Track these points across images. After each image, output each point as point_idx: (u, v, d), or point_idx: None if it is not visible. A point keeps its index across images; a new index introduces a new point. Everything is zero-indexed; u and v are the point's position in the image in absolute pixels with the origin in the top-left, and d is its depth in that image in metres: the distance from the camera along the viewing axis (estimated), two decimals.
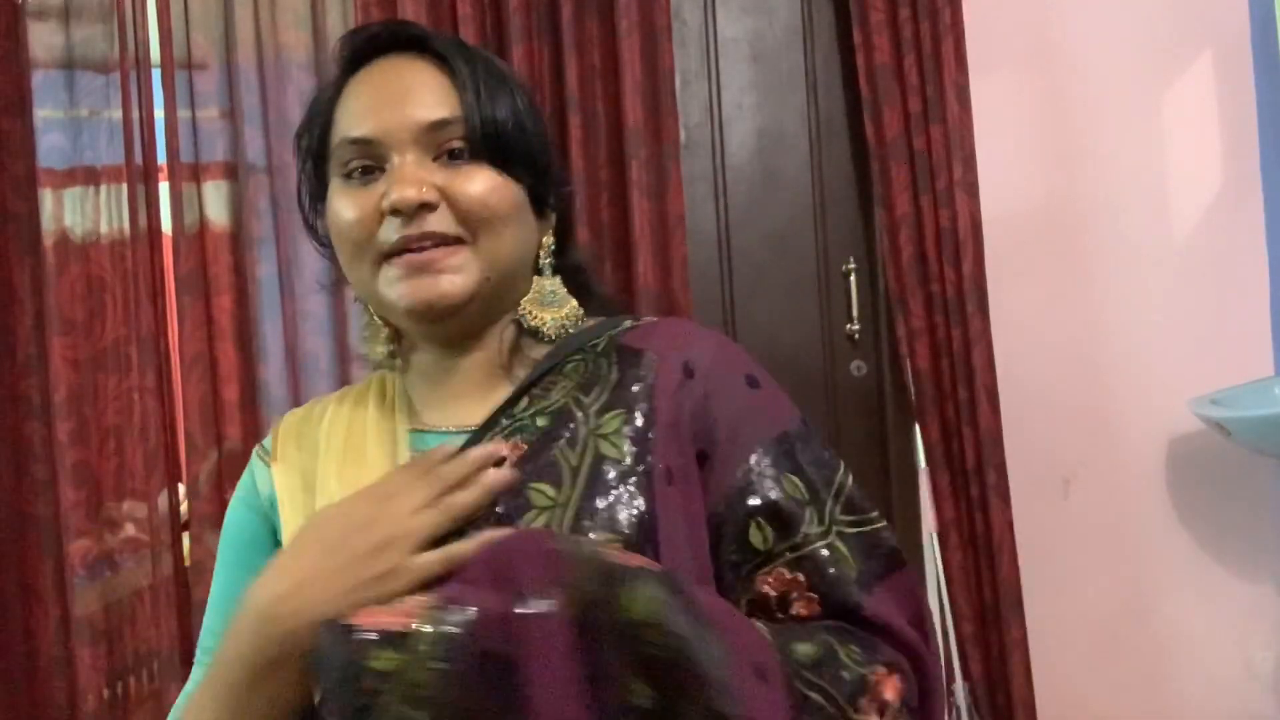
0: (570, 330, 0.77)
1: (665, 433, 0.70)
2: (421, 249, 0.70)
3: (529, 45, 1.95)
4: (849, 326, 2.18)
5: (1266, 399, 2.00)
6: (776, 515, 0.69)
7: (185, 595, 2.00)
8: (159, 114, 2.01)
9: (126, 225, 2.01)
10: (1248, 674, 2.12)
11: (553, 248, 0.78)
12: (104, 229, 2.03)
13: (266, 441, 0.82)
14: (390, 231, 0.70)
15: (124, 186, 2.01)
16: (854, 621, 0.67)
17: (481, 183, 0.72)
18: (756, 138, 2.20)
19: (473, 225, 0.71)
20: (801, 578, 0.68)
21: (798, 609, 0.68)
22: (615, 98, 1.95)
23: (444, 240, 0.71)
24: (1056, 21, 2.13)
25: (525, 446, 0.70)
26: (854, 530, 0.71)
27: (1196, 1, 2.13)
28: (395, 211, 0.69)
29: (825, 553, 0.69)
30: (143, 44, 2.01)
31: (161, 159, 2.01)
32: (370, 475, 0.72)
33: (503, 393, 0.75)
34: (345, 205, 0.72)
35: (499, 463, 0.69)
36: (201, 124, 2.04)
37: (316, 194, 0.78)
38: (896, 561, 0.72)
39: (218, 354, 2.01)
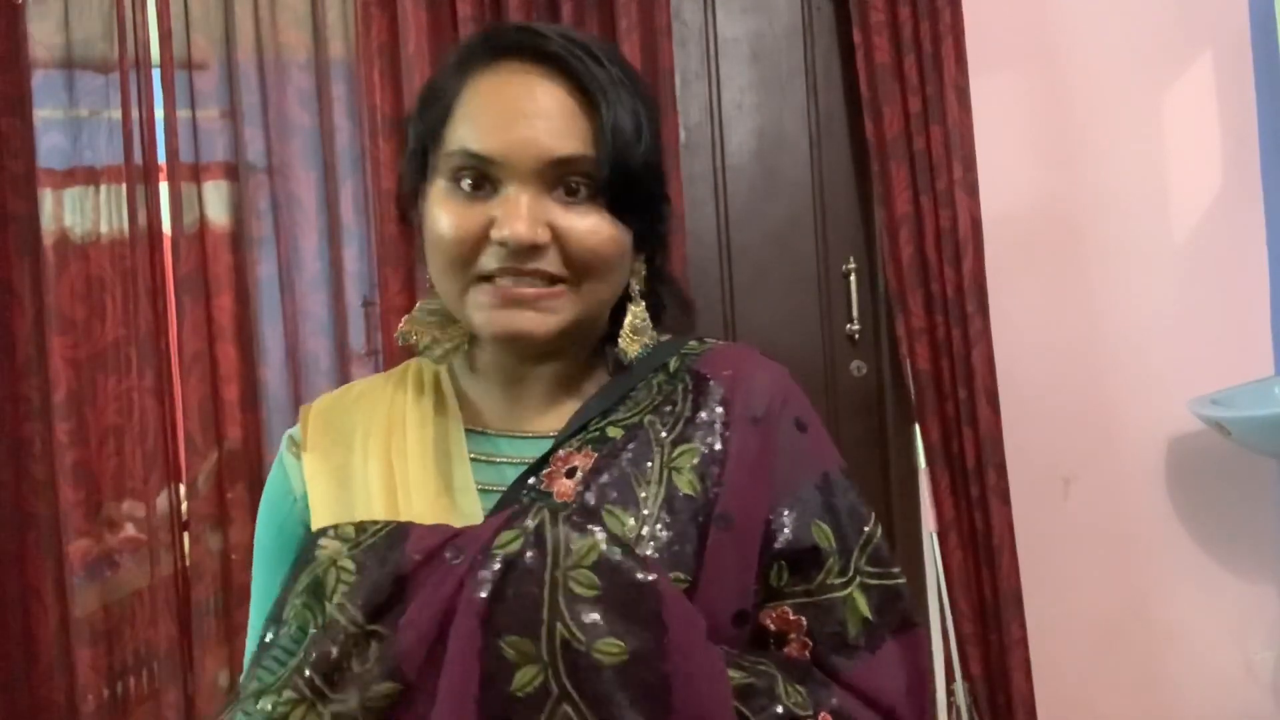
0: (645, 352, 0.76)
1: (730, 476, 0.69)
2: (520, 283, 0.68)
3: None
4: (849, 326, 2.18)
5: (1266, 399, 2.00)
6: (799, 560, 0.70)
7: (185, 595, 2.00)
8: (159, 114, 2.01)
9: (126, 225, 2.00)
10: (1248, 674, 2.12)
11: (644, 274, 0.77)
12: (104, 229, 2.03)
13: (295, 431, 0.80)
14: (493, 260, 0.68)
15: (124, 186, 2.01)
16: (837, 683, 0.68)
17: (597, 228, 0.68)
18: (756, 138, 2.20)
19: (578, 269, 0.69)
20: (804, 622, 0.69)
21: (791, 649, 0.69)
22: None
23: (545, 279, 0.68)
24: (1056, 21, 2.13)
25: (595, 455, 0.70)
26: (876, 582, 0.71)
27: (1196, 1, 2.13)
28: (504, 245, 0.67)
29: (838, 605, 0.69)
30: (143, 44, 2.01)
31: (161, 159, 2.01)
32: (413, 469, 0.72)
33: (570, 407, 0.75)
34: (449, 218, 0.69)
35: (570, 472, 0.69)
36: (201, 124, 2.04)
37: (418, 181, 0.74)
38: (909, 621, 0.72)
39: (218, 354, 2.01)
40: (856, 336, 2.18)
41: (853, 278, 2.17)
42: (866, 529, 0.73)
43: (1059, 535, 2.11)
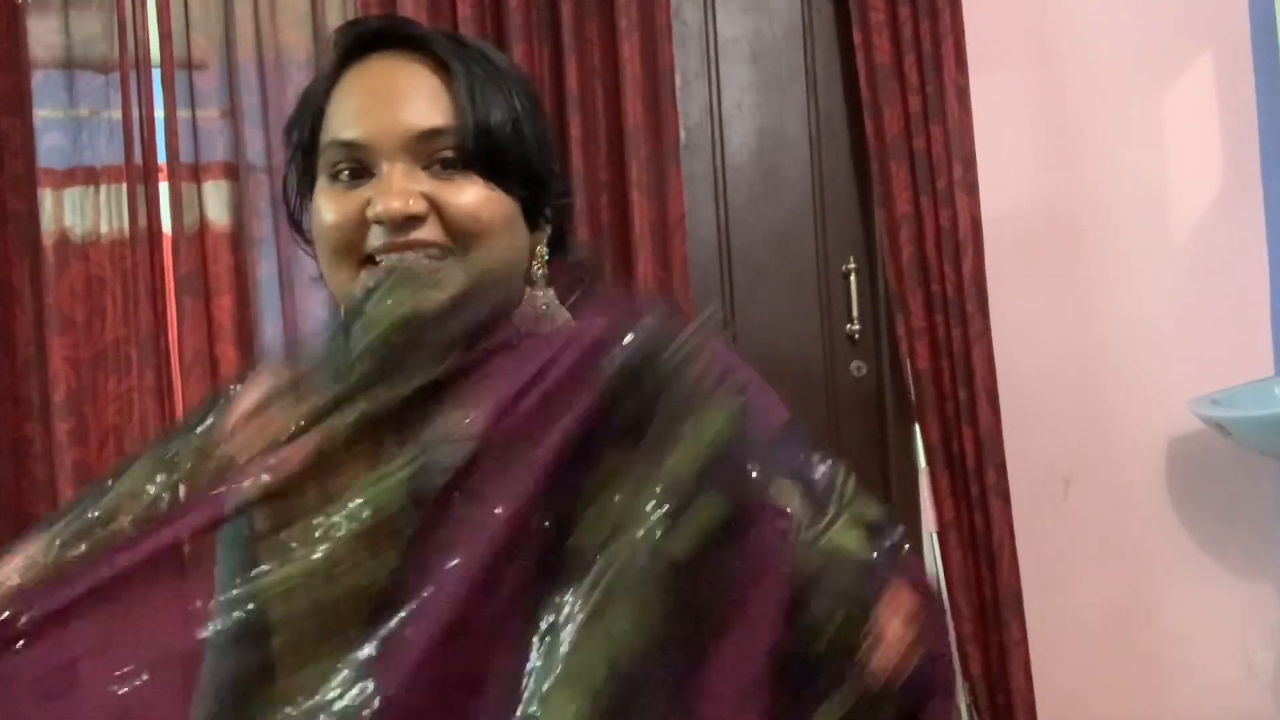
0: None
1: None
2: (402, 251, 0.68)
3: (529, 45, 1.95)
4: (849, 326, 2.18)
5: (1266, 399, 2.00)
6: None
7: None
8: (159, 114, 2.01)
9: (126, 225, 2.00)
10: (1247, 674, 2.12)
11: (545, 257, 0.76)
12: (104, 229, 2.03)
13: None
14: (375, 238, 0.69)
15: (124, 186, 2.00)
16: None
17: (472, 194, 0.69)
18: (756, 138, 2.20)
19: (461, 237, 0.69)
20: None
21: None
22: (615, 98, 1.95)
23: (431, 249, 0.69)
24: (1056, 22, 2.13)
25: None
26: (861, 516, 0.69)
27: (1196, 1, 2.13)
28: (380, 222, 0.68)
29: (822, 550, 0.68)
30: (143, 44, 2.01)
31: (161, 159, 2.01)
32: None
33: None
34: (329, 208, 0.70)
35: None
36: (201, 124, 2.04)
37: (304, 188, 0.75)
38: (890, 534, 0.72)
39: (218, 354, 2.01)
40: (856, 336, 2.18)
41: (853, 278, 2.17)
42: (829, 466, 0.69)
43: (1059, 535, 2.11)
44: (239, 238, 2.05)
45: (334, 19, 2.07)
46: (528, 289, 0.76)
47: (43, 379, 1.94)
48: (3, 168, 1.94)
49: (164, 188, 2.02)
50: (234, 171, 2.06)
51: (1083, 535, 2.12)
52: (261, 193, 2.05)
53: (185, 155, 2.01)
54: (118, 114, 2.00)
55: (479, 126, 0.70)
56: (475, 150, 0.70)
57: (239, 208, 2.05)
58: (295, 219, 0.78)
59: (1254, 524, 2.12)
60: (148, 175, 2.01)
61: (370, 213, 0.68)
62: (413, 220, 0.68)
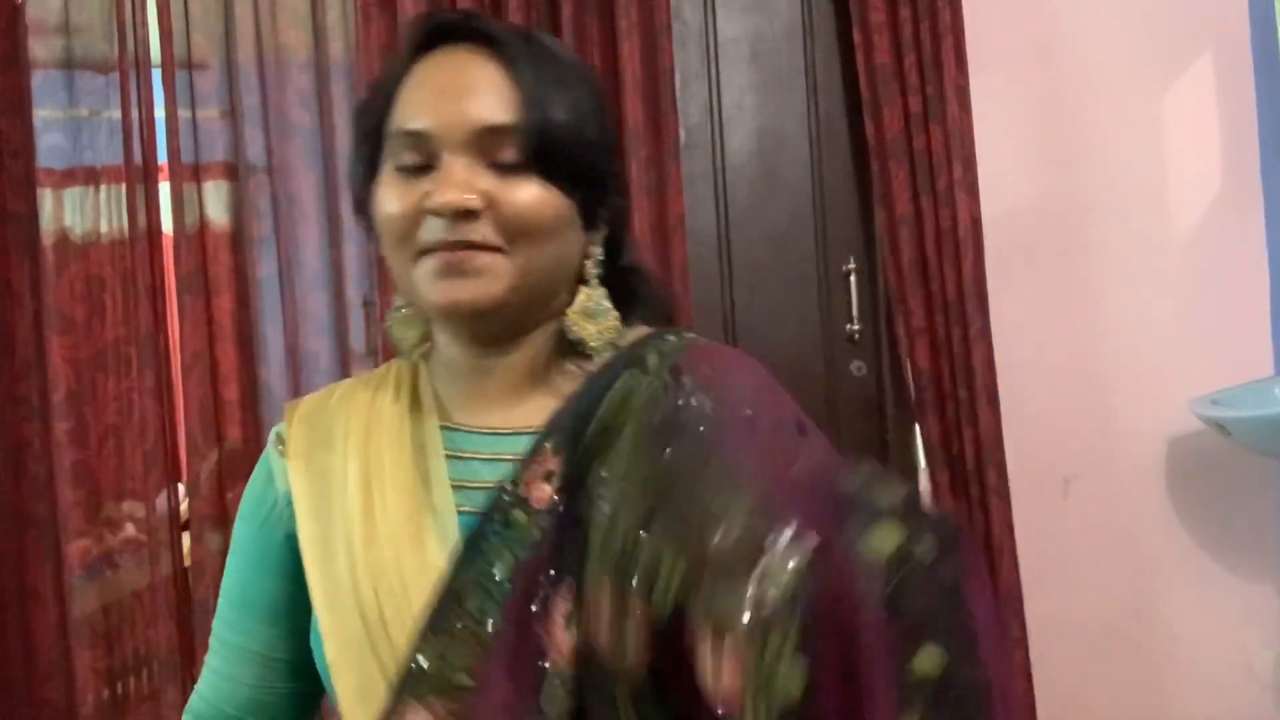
0: (613, 342, 0.75)
1: (730, 450, 0.66)
2: (456, 249, 0.69)
3: None
4: (849, 326, 2.18)
5: (1266, 399, 2.00)
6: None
7: (185, 595, 2.00)
8: (159, 114, 2.01)
9: (126, 225, 2.00)
10: (1247, 674, 2.12)
11: (600, 258, 0.76)
12: (104, 229, 2.03)
13: (281, 429, 0.80)
14: (431, 232, 0.69)
15: (124, 186, 2.01)
16: None
17: (529, 195, 0.70)
18: (756, 138, 2.20)
19: (512, 236, 0.70)
20: None
21: None
22: (615, 97, 1.95)
23: (481, 247, 0.69)
24: (1056, 22, 2.14)
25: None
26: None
27: (1196, 1, 2.13)
28: (436, 213, 0.69)
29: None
30: (143, 44, 2.01)
31: (161, 159, 2.01)
32: (389, 465, 0.73)
33: (538, 401, 0.74)
34: (391, 197, 0.71)
35: (547, 476, 0.67)
36: (201, 124, 2.04)
37: (369, 175, 0.75)
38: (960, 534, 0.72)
39: (218, 354, 2.01)
40: (856, 336, 2.18)
41: (853, 278, 2.17)
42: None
43: (1059, 535, 2.11)
44: (239, 238, 2.05)
45: (334, 19, 2.07)
46: (581, 288, 0.76)
47: (42, 379, 1.94)
48: (3, 168, 1.94)
49: (164, 188, 2.02)
50: (234, 171, 2.06)
51: (1083, 535, 2.12)
52: (261, 193, 2.05)
53: (185, 155, 2.01)
54: (118, 114, 2.00)
55: (542, 127, 0.70)
56: (536, 150, 0.70)
57: (239, 208, 2.05)
58: (360, 204, 0.78)
59: (1254, 524, 2.12)
60: (148, 175, 2.01)
61: (428, 204, 0.69)
62: (468, 215, 0.68)
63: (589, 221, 0.74)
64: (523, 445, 0.70)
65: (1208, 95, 2.14)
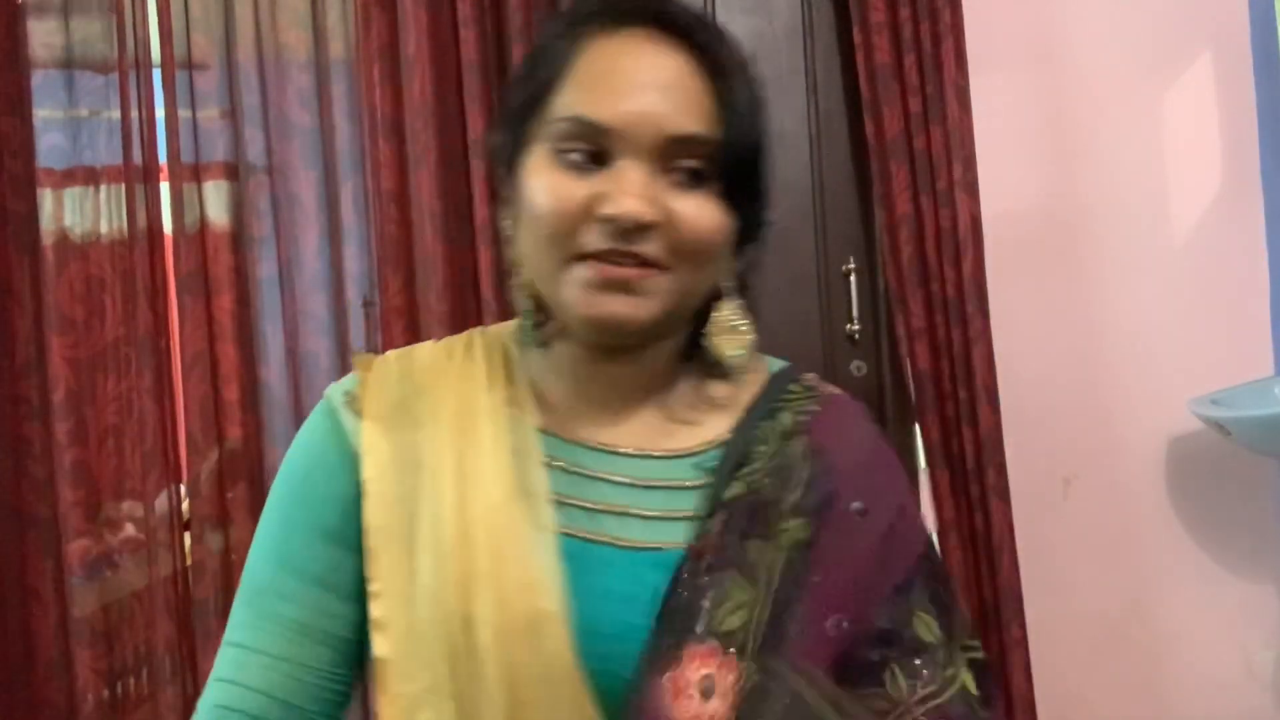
0: (742, 360, 0.73)
1: (831, 565, 0.66)
2: (620, 263, 0.63)
3: (529, 45, 1.94)
4: (849, 326, 2.18)
5: (1266, 399, 2.00)
6: (913, 655, 0.66)
7: (185, 595, 2.00)
8: (159, 114, 2.01)
9: (126, 225, 2.00)
10: (1247, 674, 2.12)
11: (739, 272, 0.73)
12: (104, 229, 2.03)
13: (349, 385, 0.71)
14: (596, 238, 0.62)
15: (124, 186, 2.01)
16: None
17: (707, 215, 0.64)
18: None
19: (681, 255, 0.64)
20: None
21: None
22: None
23: (644, 262, 0.63)
24: (1056, 22, 2.13)
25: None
26: (970, 655, 0.69)
27: (1196, 1, 2.13)
28: (610, 221, 0.62)
29: (956, 697, 0.67)
30: (143, 44, 2.01)
31: (162, 159, 2.01)
32: (485, 463, 0.66)
33: (647, 417, 0.71)
34: (551, 190, 0.63)
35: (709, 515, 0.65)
36: (201, 124, 2.04)
37: (514, 150, 0.67)
38: (990, 671, 0.71)
39: (218, 354, 2.01)
40: (856, 336, 2.18)
41: (853, 278, 2.17)
42: (958, 608, 0.71)
43: (1059, 535, 2.11)
44: (239, 238, 2.05)
45: (334, 19, 2.07)
46: (720, 303, 0.73)
47: (42, 379, 1.94)
48: (3, 168, 1.94)
49: (164, 188, 2.02)
50: (234, 171, 2.06)
51: (1083, 535, 2.12)
52: (261, 193, 2.05)
53: (185, 155, 2.01)
54: (118, 114, 2.00)
55: (741, 145, 0.65)
56: (728, 169, 0.64)
57: (239, 208, 2.05)
58: (497, 179, 0.70)
59: (1254, 524, 2.12)
60: (148, 175, 2.01)
61: (602, 210, 0.62)
62: (644, 229, 0.62)
63: (744, 238, 0.71)
64: (629, 468, 0.68)
65: (1208, 95, 2.14)
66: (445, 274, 1.90)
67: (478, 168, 1.91)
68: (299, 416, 2.03)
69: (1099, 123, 2.13)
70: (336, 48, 2.08)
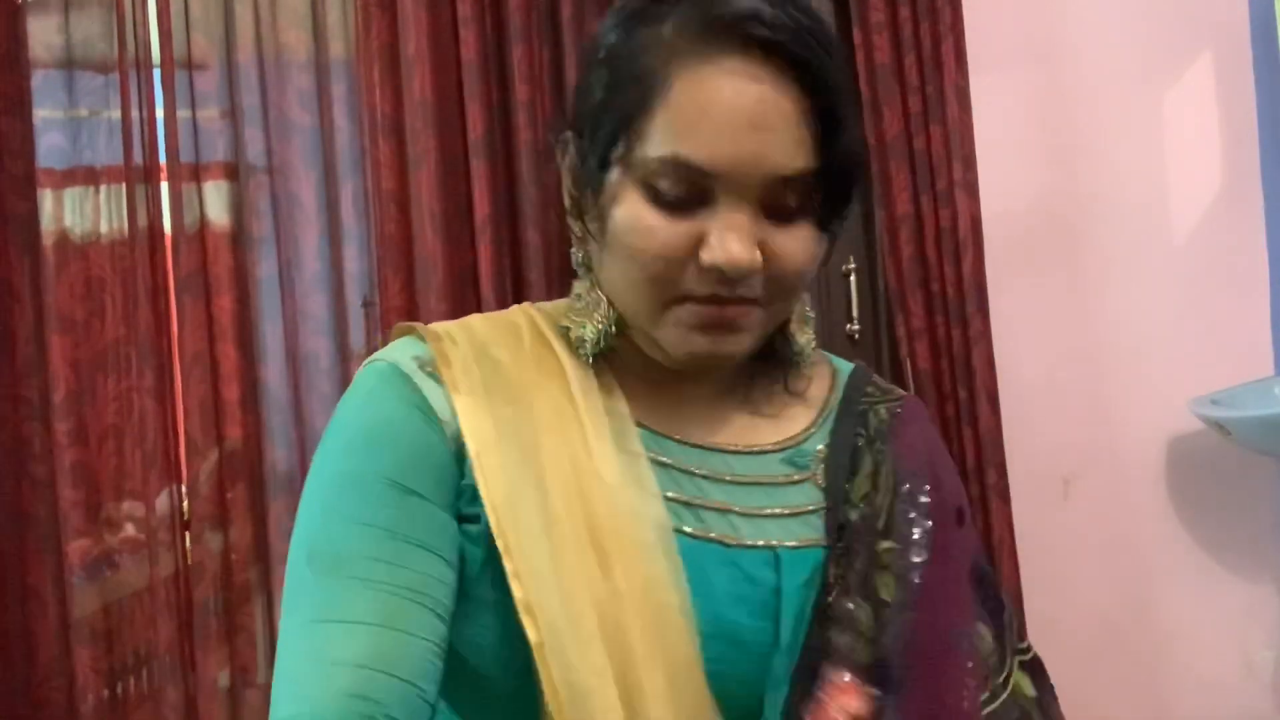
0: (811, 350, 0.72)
1: (927, 591, 0.65)
2: (723, 305, 0.61)
3: (529, 45, 1.95)
4: (849, 326, 2.18)
5: (1266, 399, 2.00)
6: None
7: (185, 595, 2.00)
8: (159, 114, 2.01)
9: (126, 225, 2.01)
10: (1247, 674, 2.12)
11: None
12: (104, 229, 2.03)
13: (419, 351, 0.66)
14: (698, 282, 0.60)
15: (124, 186, 2.01)
16: None
17: (804, 248, 0.62)
18: None
19: (777, 290, 0.63)
20: None
21: None
22: None
23: (747, 301, 0.62)
24: (1056, 22, 2.13)
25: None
26: (1020, 658, 0.71)
27: (1196, 1, 2.13)
28: (715, 269, 0.59)
29: (1010, 702, 0.68)
30: (143, 44, 2.01)
31: (162, 159, 2.01)
32: (598, 455, 0.63)
33: (733, 412, 0.70)
34: (651, 233, 0.60)
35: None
36: (201, 124, 2.04)
37: (594, 172, 0.63)
38: (1043, 669, 0.74)
39: (218, 354, 2.01)
40: (856, 336, 2.18)
41: (853, 278, 2.17)
42: (1007, 608, 0.71)
43: (1059, 535, 2.11)
44: (239, 238, 2.05)
45: (334, 19, 2.07)
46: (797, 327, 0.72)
47: (43, 379, 1.94)
48: (3, 168, 1.94)
49: (164, 188, 2.02)
50: (234, 171, 2.06)
51: (1083, 535, 2.12)
52: (261, 193, 2.05)
53: (185, 155, 2.01)
54: (118, 114, 2.00)
55: (843, 176, 0.62)
56: (828, 201, 0.62)
57: (239, 208, 2.05)
58: (576, 205, 0.65)
59: (1254, 524, 2.12)
60: (148, 175, 2.01)
61: (710, 258, 0.59)
62: (748, 273, 0.60)
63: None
64: (723, 464, 0.67)
65: (1208, 95, 2.14)
66: (445, 274, 1.90)
67: (478, 168, 1.91)
68: (299, 416, 2.03)
69: (1099, 123, 2.13)
70: (336, 48, 2.08)
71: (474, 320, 0.70)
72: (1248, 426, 1.89)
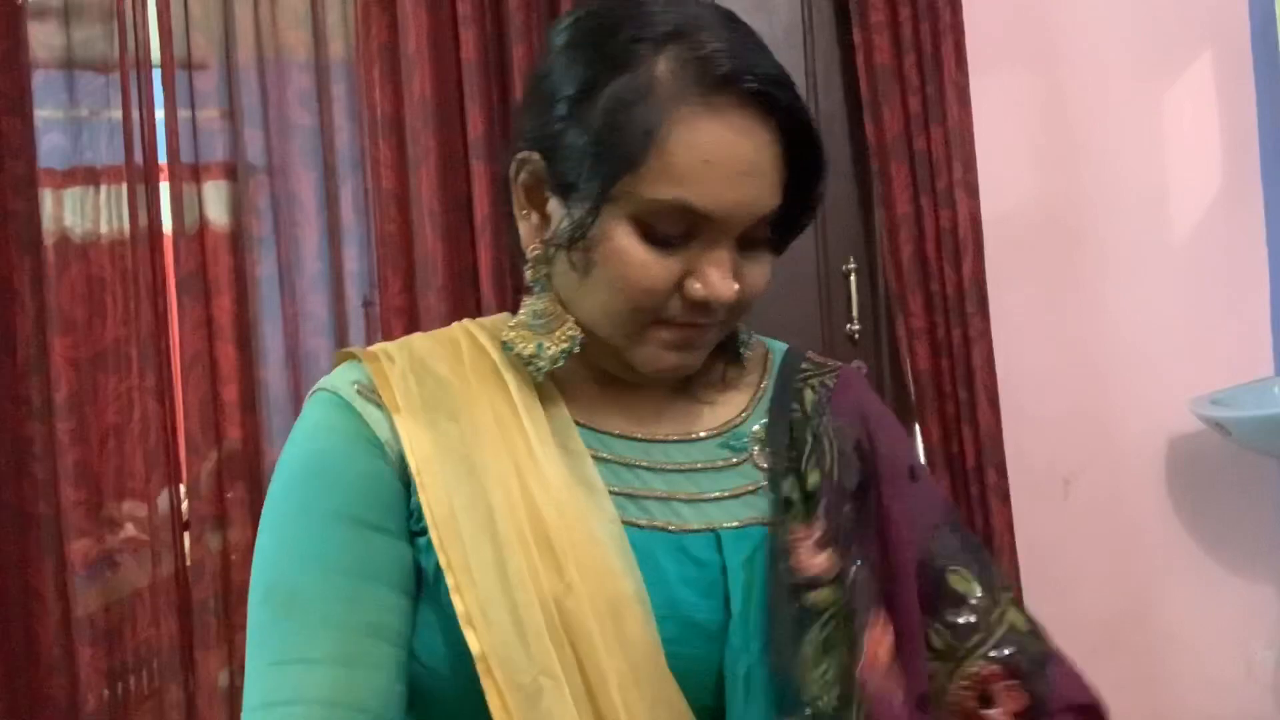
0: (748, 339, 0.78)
1: (889, 543, 0.71)
2: (699, 327, 0.67)
3: (529, 45, 1.95)
4: (849, 326, 2.18)
5: (1266, 399, 2.00)
6: (954, 617, 0.72)
7: (185, 595, 2.00)
8: (159, 114, 2.01)
9: (126, 225, 2.01)
10: (1248, 674, 2.12)
11: None
12: (104, 229, 2.03)
13: (357, 376, 0.69)
14: (679, 310, 0.66)
15: (124, 186, 2.01)
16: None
17: (765, 272, 0.68)
18: None
19: (738, 310, 0.68)
20: (997, 668, 0.71)
21: (1003, 703, 0.71)
22: None
23: (716, 326, 0.69)
24: (1056, 21, 2.13)
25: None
26: (1009, 594, 0.76)
27: (1196, 1, 2.13)
28: (703, 302, 0.65)
29: (1009, 636, 0.73)
30: (143, 44, 2.01)
31: (161, 159, 2.01)
32: (541, 460, 0.66)
33: (673, 402, 0.74)
34: (643, 267, 0.64)
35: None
36: (201, 124, 2.04)
37: (580, 206, 0.65)
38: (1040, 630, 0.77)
39: (218, 354, 2.01)
40: (856, 336, 2.18)
41: (853, 278, 2.17)
42: (984, 551, 0.77)
43: (1059, 535, 2.11)
44: (239, 238, 2.05)
45: (334, 19, 2.07)
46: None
47: (43, 379, 1.94)
48: (3, 168, 1.94)
49: (164, 188, 2.02)
50: (234, 171, 2.06)
51: (1083, 535, 2.12)
52: (261, 193, 2.05)
53: (185, 155, 2.01)
54: (118, 114, 2.00)
55: (810, 214, 0.69)
56: (791, 233, 0.69)
57: (239, 208, 2.05)
58: (570, 236, 0.66)
59: (1254, 524, 2.12)
60: (148, 175, 2.01)
61: (697, 294, 0.64)
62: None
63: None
64: (663, 454, 0.70)
65: (1208, 95, 2.14)
66: (445, 274, 1.91)
67: (478, 168, 1.91)
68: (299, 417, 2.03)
69: (1099, 122, 2.13)
70: (336, 48, 2.08)
71: (415, 339, 0.73)
72: (1248, 426, 1.89)
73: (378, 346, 0.72)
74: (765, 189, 0.65)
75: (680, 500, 0.68)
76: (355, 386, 0.68)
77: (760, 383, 0.78)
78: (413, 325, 1.93)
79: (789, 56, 2.20)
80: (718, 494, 0.69)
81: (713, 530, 0.67)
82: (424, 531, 0.64)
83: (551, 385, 0.71)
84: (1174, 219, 2.14)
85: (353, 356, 0.71)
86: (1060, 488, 2.13)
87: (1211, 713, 2.11)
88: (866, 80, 2.00)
